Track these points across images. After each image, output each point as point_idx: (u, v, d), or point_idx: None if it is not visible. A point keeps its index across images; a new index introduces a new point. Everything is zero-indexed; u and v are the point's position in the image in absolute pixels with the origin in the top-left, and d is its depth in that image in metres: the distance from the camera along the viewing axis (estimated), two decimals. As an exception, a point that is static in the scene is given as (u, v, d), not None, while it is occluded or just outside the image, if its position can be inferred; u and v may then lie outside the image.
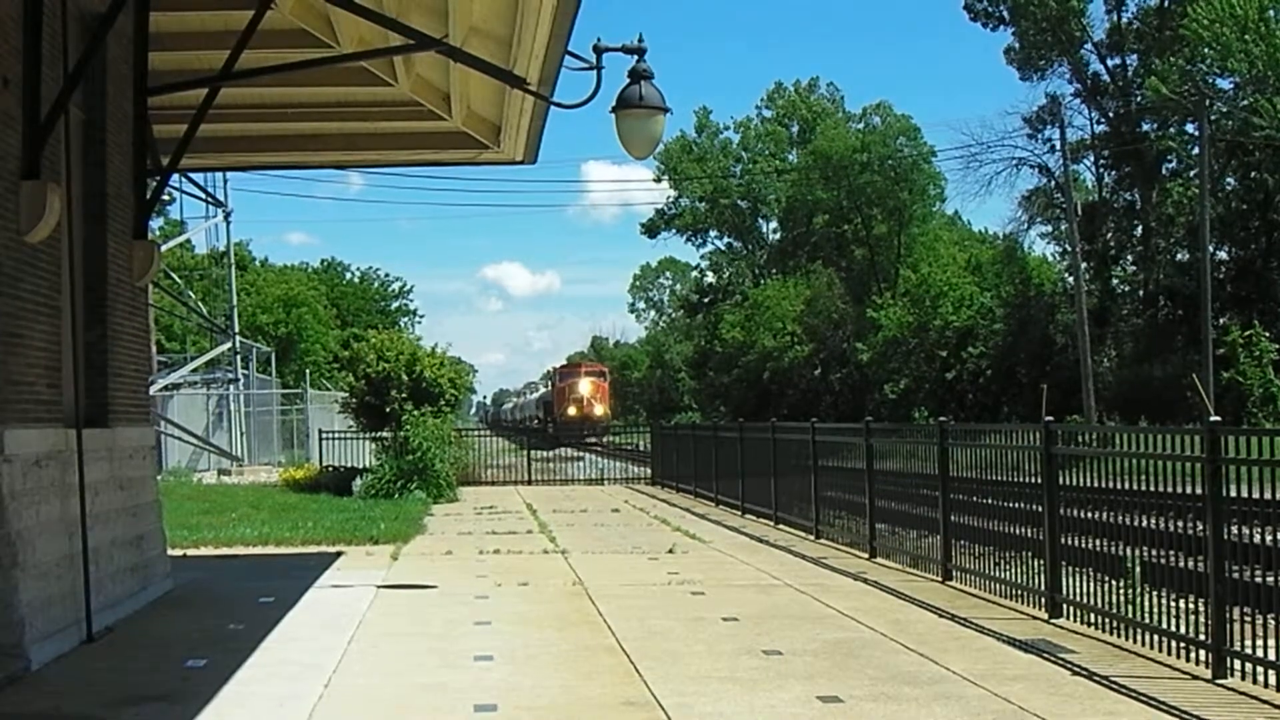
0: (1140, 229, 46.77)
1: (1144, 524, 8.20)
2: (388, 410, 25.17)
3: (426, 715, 6.73)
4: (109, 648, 8.63)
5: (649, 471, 30.69)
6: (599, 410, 62.74)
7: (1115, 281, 48.12)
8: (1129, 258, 48.39)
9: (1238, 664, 7.11)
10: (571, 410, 61.84)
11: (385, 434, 25.12)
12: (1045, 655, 7.95)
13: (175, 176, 20.65)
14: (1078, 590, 8.98)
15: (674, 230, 75.82)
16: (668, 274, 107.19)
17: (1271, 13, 38.21)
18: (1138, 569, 8.41)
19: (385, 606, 10.33)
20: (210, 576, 12.47)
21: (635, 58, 9.94)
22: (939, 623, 9.28)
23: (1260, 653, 6.96)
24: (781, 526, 16.93)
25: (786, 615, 9.67)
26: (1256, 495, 7.01)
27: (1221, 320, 38.42)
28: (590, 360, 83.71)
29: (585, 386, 63.59)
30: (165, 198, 27.31)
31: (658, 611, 9.88)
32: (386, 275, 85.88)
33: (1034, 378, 42.19)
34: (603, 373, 69.17)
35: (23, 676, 7.49)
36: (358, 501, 21.85)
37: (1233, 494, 7.26)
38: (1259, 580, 7.11)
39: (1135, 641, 8.09)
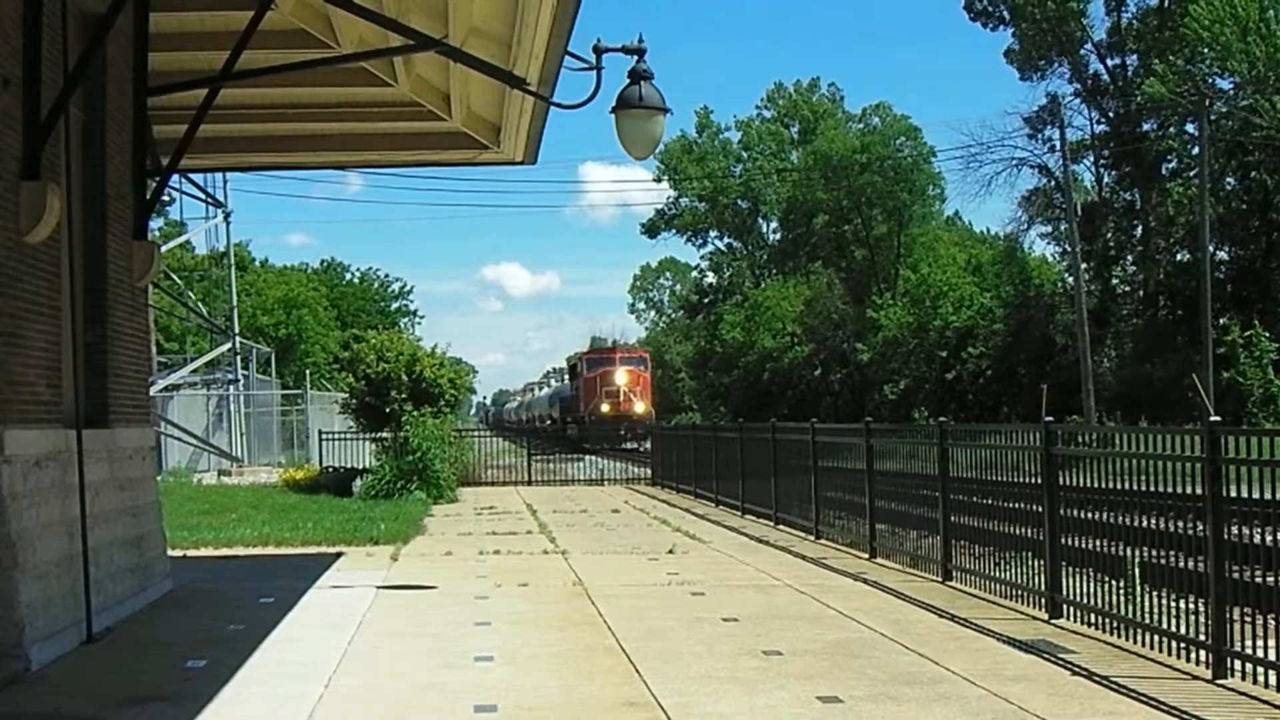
0: (1140, 229, 46.80)
1: (1144, 524, 8.20)
2: (388, 411, 25.18)
3: (427, 715, 6.73)
4: (109, 648, 8.63)
5: (649, 472, 30.67)
6: (639, 407, 49.90)
7: (1115, 281, 48.17)
8: (1129, 258, 48.43)
9: (1238, 664, 7.11)
10: (605, 407, 49.54)
11: (385, 434, 25.10)
12: (1045, 655, 7.95)
13: (175, 177, 20.68)
14: (1078, 590, 8.98)
15: (674, 230, 75.85)
16: (668, 274, 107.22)
17: (1271, 13, 38.26)
18: (1138, 569, 8.41)
19: (385, 607, 10.33)
20: (210, 577, 12.47)
21: (635, 58, 9.94)
22: (939, 623, 9.28)
23: (1260, 653, 6.96)
24: (781, 527, 16.93)
25: (786, 615, 9.67)
26: (1256, 495, 7.01)
27: (1221, 320, 38.43)
28: (625, 345, 63.59)
29: (622, 377, 50.57)
30: (165, 198, 27.30)
31: (658, 612, 9.88)
32: (386, 276, 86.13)
33: (1034, 378, 42.21)
34: (643, 359, 55.06)
35: (23, 677, 7.49)
36: (358, 502, 21.85)
37: (1233, 494, 7.26)
38: (1259, 580, 7.10)
39: (1135, 642, 8.09)
